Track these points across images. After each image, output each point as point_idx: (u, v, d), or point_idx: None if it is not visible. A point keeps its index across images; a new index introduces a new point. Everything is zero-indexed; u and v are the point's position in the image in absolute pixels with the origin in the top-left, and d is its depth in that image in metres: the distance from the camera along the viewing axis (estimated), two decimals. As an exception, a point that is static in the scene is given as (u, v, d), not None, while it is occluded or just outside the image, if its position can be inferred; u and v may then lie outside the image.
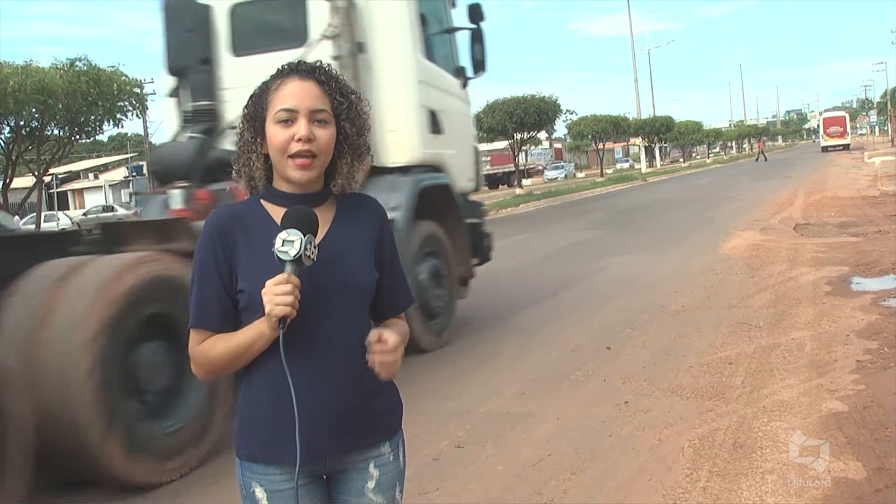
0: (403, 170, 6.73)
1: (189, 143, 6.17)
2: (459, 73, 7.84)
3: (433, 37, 7.42)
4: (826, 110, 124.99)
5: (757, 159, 58.54)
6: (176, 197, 5.70)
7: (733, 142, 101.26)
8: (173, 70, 6.53)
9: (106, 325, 4.08)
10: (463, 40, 7.87)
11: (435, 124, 7.16)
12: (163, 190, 6.03)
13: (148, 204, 6.52)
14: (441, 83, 7.45)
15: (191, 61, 6.34)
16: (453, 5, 7.95)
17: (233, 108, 5.99)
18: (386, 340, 1.71)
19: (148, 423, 4.35)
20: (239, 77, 6.25)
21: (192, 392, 4.54)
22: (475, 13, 7.59)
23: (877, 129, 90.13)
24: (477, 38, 7.64)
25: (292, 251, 1.63)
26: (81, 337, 3.99)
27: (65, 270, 4.30)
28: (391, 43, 6.74)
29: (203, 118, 6.29)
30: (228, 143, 5.76)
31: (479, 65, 7.75)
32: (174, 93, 6.67)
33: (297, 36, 6.65)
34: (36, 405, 3.83)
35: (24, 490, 3.69)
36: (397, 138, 6.65)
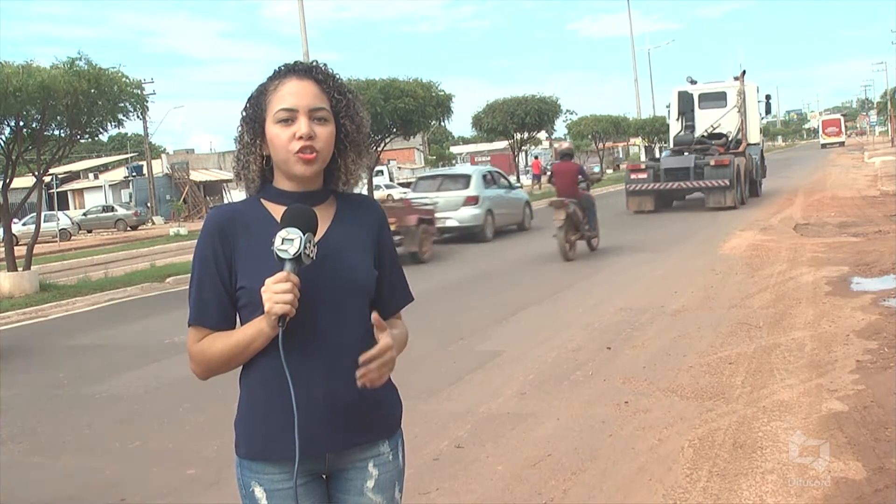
0: (755, 144, 23.26)
1: (688, 135, 22.08)
2: (759, 115, 23.90)
3: (758, 102, 23.55)
4: (825, 111, 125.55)
5: None
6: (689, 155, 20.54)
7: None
8: (679, 112, 23.02)
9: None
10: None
11: (760, 131, 25.19)
12: (680, 149, 21.52)
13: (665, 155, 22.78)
14: (760, 117, 24.35)
15: (687, 110, 22.90)
16: (757, 91, 23.38)
17: (697, 124, 22.50)
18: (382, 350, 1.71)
19: None
20: (701, 117, 22.58)
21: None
22: (768, 97, 24.92)
23: (876, 129, 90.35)
24: (767, 105, 24.94)
25: (292, 249, 1.62)
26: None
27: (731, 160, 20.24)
28: (752, 108, 23.00)
29: (689, 127, 22.57)
30: (700, 134, 22.16)
31: (767, 112, 25.33)
32: (678, 119, 23.08)
33: (721, 102, 22.50)
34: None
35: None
36: (754, 136, 23.03)
